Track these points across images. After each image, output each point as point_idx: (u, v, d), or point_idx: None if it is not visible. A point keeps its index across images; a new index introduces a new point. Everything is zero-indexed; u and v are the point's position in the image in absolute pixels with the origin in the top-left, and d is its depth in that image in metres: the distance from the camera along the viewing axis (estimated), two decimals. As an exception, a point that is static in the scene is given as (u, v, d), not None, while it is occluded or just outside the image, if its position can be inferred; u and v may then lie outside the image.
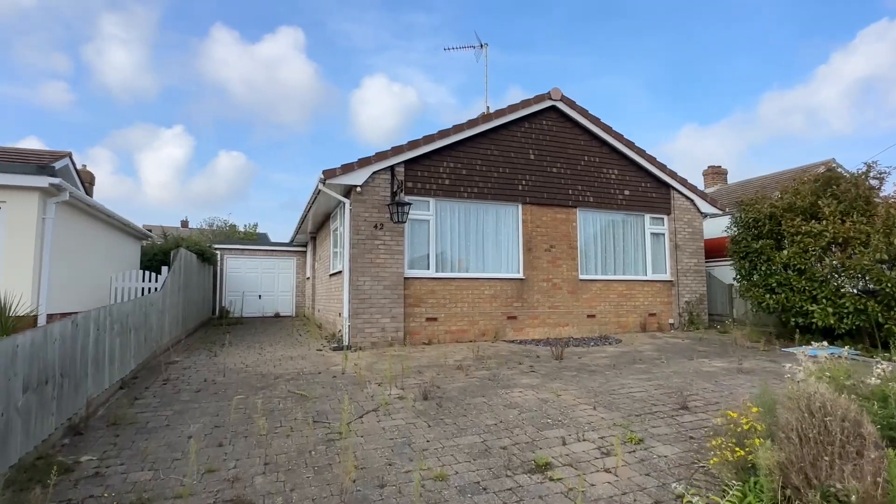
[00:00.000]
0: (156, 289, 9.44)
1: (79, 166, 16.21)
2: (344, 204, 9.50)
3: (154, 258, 12.98)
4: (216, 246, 17.76)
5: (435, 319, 9.87)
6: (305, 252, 19.30)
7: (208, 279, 16.07)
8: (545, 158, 11.10)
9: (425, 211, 9.98)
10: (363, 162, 9.29)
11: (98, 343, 5.20)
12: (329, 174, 9.01)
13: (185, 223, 39.10)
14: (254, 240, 19.27)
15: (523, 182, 10.82)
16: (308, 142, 77.07)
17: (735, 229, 10.72)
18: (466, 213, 10.46)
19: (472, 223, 10.50)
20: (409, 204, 9.17)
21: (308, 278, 18.00)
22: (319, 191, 9.54)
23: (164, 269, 9.73)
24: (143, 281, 10.62)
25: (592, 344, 9.71)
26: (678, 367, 7.37)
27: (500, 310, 10.41)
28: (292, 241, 18.79)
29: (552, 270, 10.96)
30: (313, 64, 78.90)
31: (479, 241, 10.53)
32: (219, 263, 17.94)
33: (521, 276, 10.67)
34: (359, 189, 9.32)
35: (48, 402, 4.03)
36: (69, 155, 13.54)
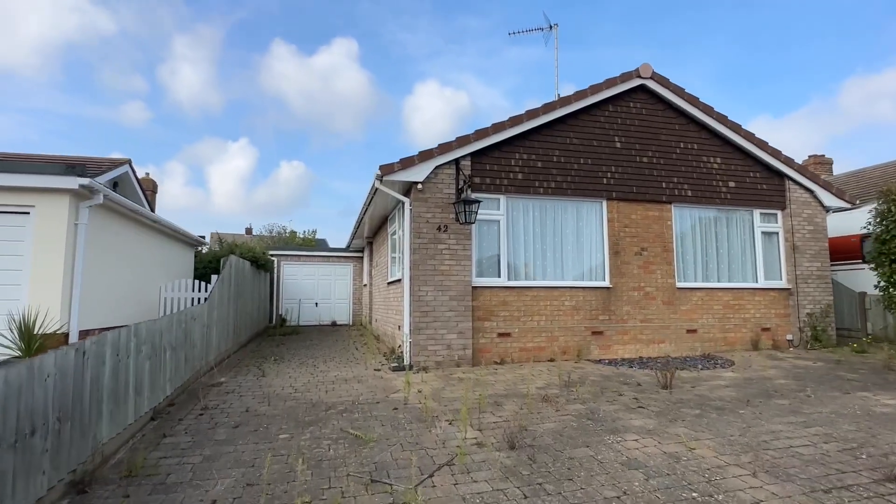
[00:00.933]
0: (205, 299, 8.76)
1: (141, 175, 16.32)
2: (403, 204, 8.39)
3: (208, 266, 12.52)
4: (272, 252, 17.33)
5: (508, 335, 8.54)
6: (362, 258, 18.54)
7: (264, 287, 15.58)
8: (634, 147, 9.50)
9: (495, 210, 8.69)
10: (424, 155, 8.15)
11: (118, 372, 4.30)
12: (386, 170, 7.93)
13: (248, 230, 40.11)
14: (310, 246, 18.86)
15: (608, 175, 9.29)
16: (363, 149, 78.16)
17: (881, 225, 8.63)
18: (542, 212, 9.07)
19: (548, 223, 9.09)
20: (479, 202, 7.92)
21: (365, 285, 17.17)
22: (376, 189, 8.49)
23: (214, 277, 9.04)
24: (194, 291, 10.03)
25: (700, 367, 8.01)
26: (836, 405, 5.63)
27: (583, 324, 8.92)
28: (349, 246, 18.07)
29: (644, 278, 9.32)
30: (367, 73, 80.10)
31: (557, 244, 9.11)
32: (275, 270, 17.51)
33: (607, 284, 9.13)
34: (419, 186, 8.18)
35: (36, 457, 3.08)
36: (129, 162, 13.41)
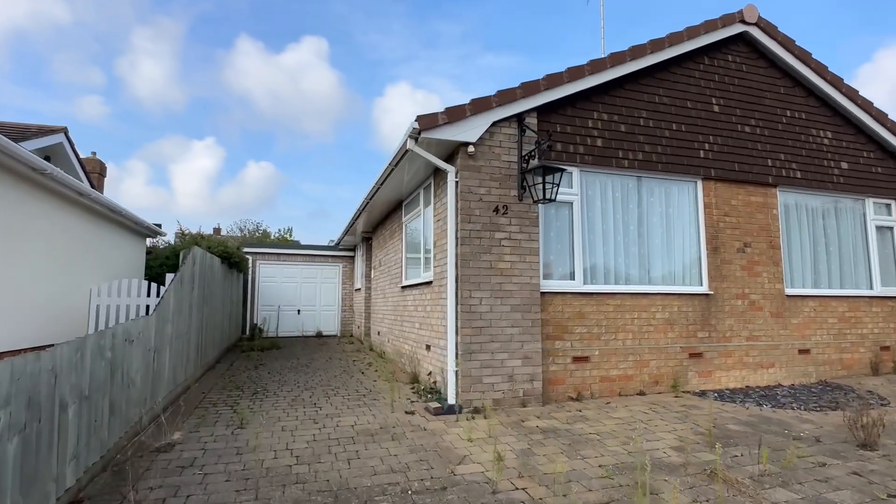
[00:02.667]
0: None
1: (85, 154, 13.37)
2: (447, 175, 5.96)
3: (165, 264, 9.75)
4: (247, 250, 14.57)
5: (585, 359, 6.19)
6: (353, 257, 15.92)
7: (237, 290, 12.81)
8: (734, 112, 7.34)
9: (566, 188, 6.35)
10: (479, 105, 5.76)
11: None
12: (427, 122, 5.50)
13: (217, 230, 36.62)
14: (291, 243, 16.13)
15: (706, 146, 7.09)
16: (333, 151, 74.98)
17: None
18: (625, 193, 6.79)
19: (631, 208, 6.81)
20: (562, 170, 5.53)
21: (358, 289, 14.56)
22: (405, 153, 6.05)
23: (170, 277, 6.39)
24: (141, 295, 7.31)
25: (847, 401, 5.81)
26: None
27: (677, 343, 6.65)
28: (338, 244, 15.44)
29: (748, 282, 7.14)
30: (337, 73, 77.15)
31: (642, 236, 6.83)
32: (250, 271, 14.73)
33: (705, 289, 6.90)
34: (471, 149, 5.78)
35: None
36: (64, 131, 10.54)
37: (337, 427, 4.93)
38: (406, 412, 5.51)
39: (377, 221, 11.35)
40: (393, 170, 6.86)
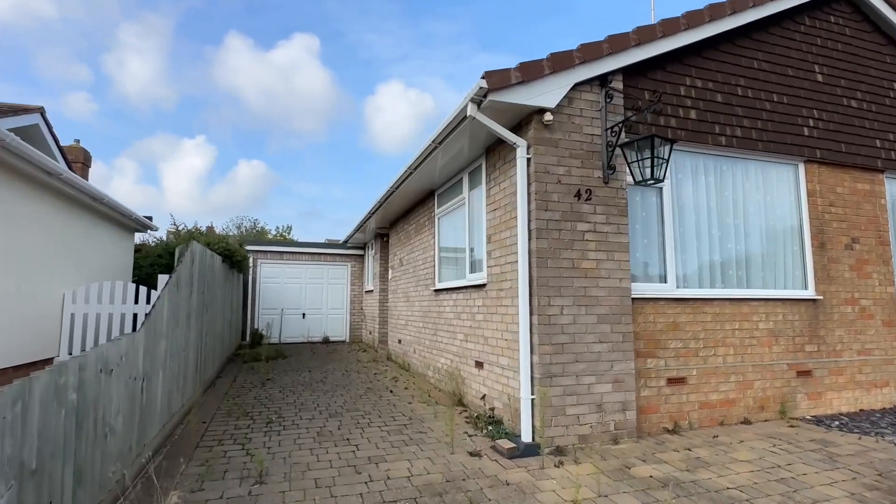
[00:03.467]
0: (147, 316, 4.81)
1: (69, 142, 12.04)
2: (513, 152, 4.74)
3: (157, 263, 8.47)
4: (247, 248, 13.27)
5: (681, 381, 5.00)
6: (363, 256, 14.66)
7: (237, 293, 11.53)
8: (838, 83, 6.19)
9: (654, 169, 5.16)
10: (559, 61, 4.55)
11: None
12: (498, 80, 4.29)
13: (210, 228, 35.14)
14: (294, 241, 14.77)
15: (809, 122, 5.92)
16: (325, 150, 73.47)
17: None
18: (718, 176, 5.61)
19: (726, 195, 5.64)
20: (674, 141, 4.33)
21: (370, 291, 13.31)
22: (462, 123, 4.83)
23: (163, 279, 5.13)
24: (129, 302, 6.03)
25: None
26: None
27: (783, 358, 5.49)
28: (346, 241, 14.18)
29: (857, 284, 6.00)
30: (329, 71, 75.65)
31: (738, 229, 5.66)
32: (250, 271, 13.44)
33: (812, 294, 5.74)
34: (548, 117, 4.57)
35: None
36: (40, 111, 9.22)
37: (388, 480, 3.70)
38: (470, 453, 4.28)
39: (397, 215, 10.11)
40: (438, 146, 5.63)
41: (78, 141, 12.47)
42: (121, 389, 3.25)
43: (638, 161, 4.29)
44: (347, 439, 4.71)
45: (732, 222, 5.61)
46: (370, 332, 12.98)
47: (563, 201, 4.61)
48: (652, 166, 4.18)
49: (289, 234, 29.14)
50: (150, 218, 8.80)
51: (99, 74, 67.12)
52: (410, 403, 6.26)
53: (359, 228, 12.15)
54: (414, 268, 8.81)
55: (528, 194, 4.60)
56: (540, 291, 4.43)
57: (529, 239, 4.55)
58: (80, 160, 12.27)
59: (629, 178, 4.86)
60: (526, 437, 4.33)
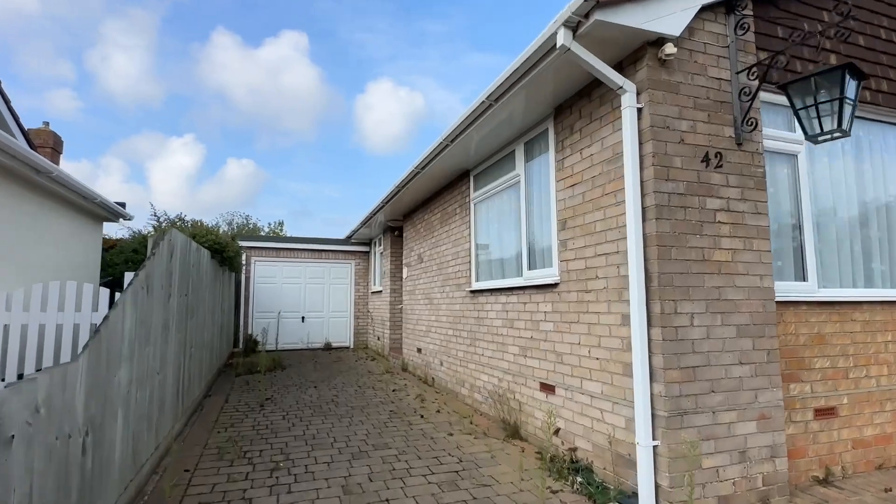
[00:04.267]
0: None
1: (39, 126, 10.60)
2: (621, 97, 3.43)
3: (133, 260, 7.07)
4: (240, 244, 11.88)
5: (831, 412, 3.74)
6: (368, 253, 13.30)
7: (228, 294, 10.15)
8: None
9: (784, 129, 3.92)
10: (683, -28, 3.25)
11: None
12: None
13: (199, 224, 33.56)
14: (291, 237, 13.31)
15: (961, 77, 4.69)
16: (314, 149, 71.75)
17: None
18: (857, 145, 4.36)
19: (866, 168, 4.38)
20: (862, 76, 3.06)
21: (377, 292, 11.96)
22: (549, 53, 3.50)
23: (129, 279, 3.77)
24: (84, 309, 4.60)
25: None
26: None
27: (943, 379, 4.24)
28: (351, 237, 12.82)
29: None
30: (318, 68, 73.92)
31: (880, 210, 4.41)
32: (244, 269, 12.03)
33: (970, 295, 4.50)
34: (670, 50, 3.27)
35: None
36: (-6, 80, 7.84)
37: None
38: (570, 527, 2.98)
39: (414, 205, 8.78)
40: (494, 104, 4.31)
41: (47, 124, 10.97)
42: (37, 460, 1.90)
43: (813, 106, 3.00)
44: (387, 501, 3.38)
45: (874, 201, 4.36)
46: (378, 338, 11.62)
47: (687, 168, 3.32)
48: (840, 112, 2.89)
49: (281, 230, 27.65)
50: (122, 205, 7.36)
51: (83, 71, 64.93)
52: (452, 435, 4.94)
53: (366, 222, 10.80)
54: (439, 265, 7.48)
55: (641, 158, 3.30)
56: (662, 294, 3.14)
57: (644, 220, 3.25)
58: (49, 144, 10.76)
59: (766, 142, 3.59)
60: (648, 498, 3.03)
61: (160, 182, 63.10)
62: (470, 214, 6.36)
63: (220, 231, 10.73)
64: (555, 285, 4.29)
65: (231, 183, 63.14)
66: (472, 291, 6.15)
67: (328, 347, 12.62)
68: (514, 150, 5.22)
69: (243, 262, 11.83)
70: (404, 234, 9.62)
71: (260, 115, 71.09)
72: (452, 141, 5.37)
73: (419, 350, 8.35)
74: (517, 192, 5.19)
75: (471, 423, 5.35)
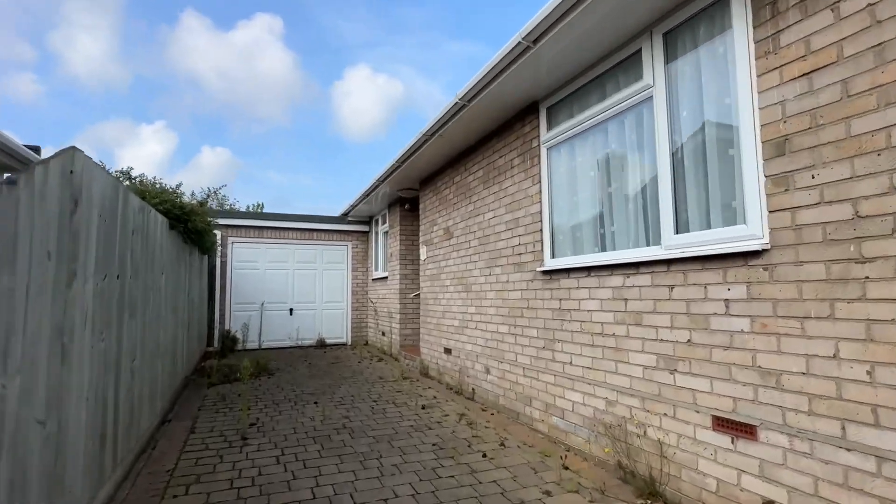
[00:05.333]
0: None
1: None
2: None
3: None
4: (218, 222, 9.84)
5: None
6: (368, 233, 11.36)
7: (199, 281, 8.16)
8: None
9: None
10: None
11: None
12: None
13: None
14: (277, 215, 11.10)
15: None
16: (291, 138, 68.74)
17: None
18: None
19: None
20: None
21: (381, 278, 10.06)
22: None
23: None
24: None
25: None
26: None
27: None
28: (347, 214, 10.86)
29: None
30: (292, 53, 70.71)
31: None
32: (219, 252, 9.99)
33: None
34: None
35: None
36: None
37: None
38: None
39: (437, 165, 6.89)
40: None
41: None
42: None
43: None
44: None
45: None
46: (384, 334, 9.75)
47: None
48: None
49: (260, 211, 25.37)
50: (35, 149, 5.24)
51: (45, 53, 60.49)
52: (550, 496, 3.13)
53: (367, 195, 8.87)
54: (481, 239, 5.62)
55: None
56: None
57: None
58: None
59: None
60: None
61: (131, 169, 59.45)
62: (540, 164, 4.51)
63: (186, 198, 8.51)
64: (757, 254, 2.49)
65: (205, 172, 59.89)
66: (547, 272, 4.32)
67: (322, 345, 10.69)
68: (638, 50, 3.37)
69: (218, 243, 9.78)
70: (422, 206, 7.72)
71: (233, 102, 67.72)
72: (522, 54, 3.50)
73: (447, 350, 6.50)
74: (643, 115, 3.36)
75: (565, 467, 3.55)
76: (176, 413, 5.17)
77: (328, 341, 10.83)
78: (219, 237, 9.95)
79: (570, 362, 3.98)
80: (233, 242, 10.31)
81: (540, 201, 4.49)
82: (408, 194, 8.48)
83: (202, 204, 5.56)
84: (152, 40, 62.22)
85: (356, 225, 11.20)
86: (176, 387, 5.70)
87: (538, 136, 4.55)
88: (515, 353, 4.81)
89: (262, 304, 10.42)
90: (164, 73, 63.14)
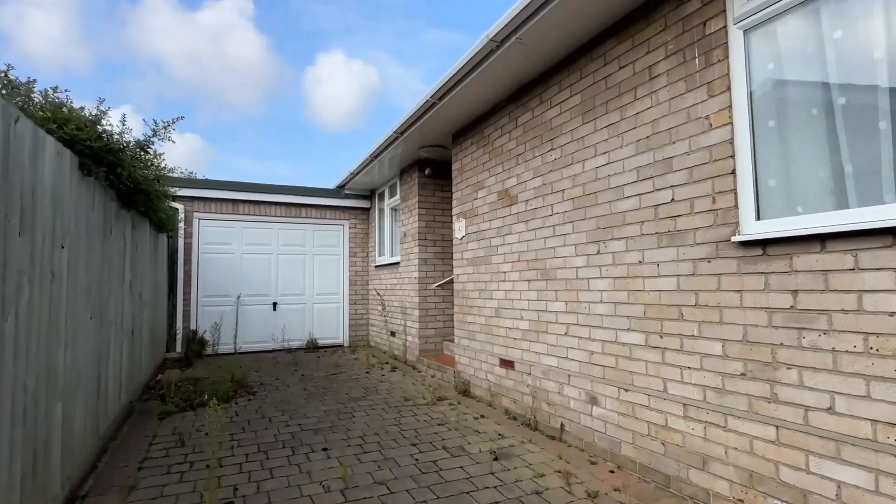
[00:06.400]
0: None
1: None
2: None
3: None
4: (181, 193, 7.70)
5: None
6: (369, 210, 9.36)
7: (153, 267, 6.10)
8: None
9: None
10: None
11: None
12: None
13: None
14: (256, 186, 8.91)
15: None
16: (264, 125, 65.50)
17: None
18: None
19: None
20: None
21: (390, 264, 8.09)
22: None
23: None
24: None
25: None
26: None
27: None
28: (344, 186, 8.84)
29: None
30: (264, 37, 67.28)
31: None
32: (182, 232, 7.88)
33: None
34: None
35: None
36: None
37: None
38: None
39: (487, 105, 4.95)
40: None
41: None
42: None
43: None
44: None
45: None
46: (393, 334, 7.81)
47: None
48: None
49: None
50: None
51: (-5, 29, 55.53)
52: None
53: (376, 158, 6.90)
54: (579, 200, 3.72)
55: None
56: None
57: None
58: None
59: None
60: None
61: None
62: (728, 61, 2.63)
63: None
64: None
65: (174, 159, 56.31)
66: (755, 244, 2.46)
67: (313, 347, 8.68)
68: None
69: (181, 219, 7.66)
70: (456, 166, 5.78)
71: (202, 86, 63.87)
72: None
73: (507, 363, 4.62)
74: None
75: None
76: (100, 476, 3.16)
77: (321, 342, 8.82)
78: (182, 213, 7.82)
79: (830, 408, 2.14)
80: (200, 219, 8.18)
81: (730, 123, 2.62)
82: (431, 153, 6.52)
83: (144, 148, 3.49)
84: (113, 19, 57.91)
85: (355, 200, 9.17)
86: (105, 428, 3.68)
87: (723, 10, 2.66)
88: (664, 380, 2.96)
89: (239, 297, 8.34)
90: (126, 55, 58.93)
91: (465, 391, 5.29)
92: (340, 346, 9.02)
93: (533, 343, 4.23)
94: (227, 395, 5.25)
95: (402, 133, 5.89)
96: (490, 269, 4.96)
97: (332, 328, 9.02)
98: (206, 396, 5.06)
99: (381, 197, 8.74)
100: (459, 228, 5.61)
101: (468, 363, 5.36)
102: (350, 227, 9.23)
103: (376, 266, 8.79)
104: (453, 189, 5.82)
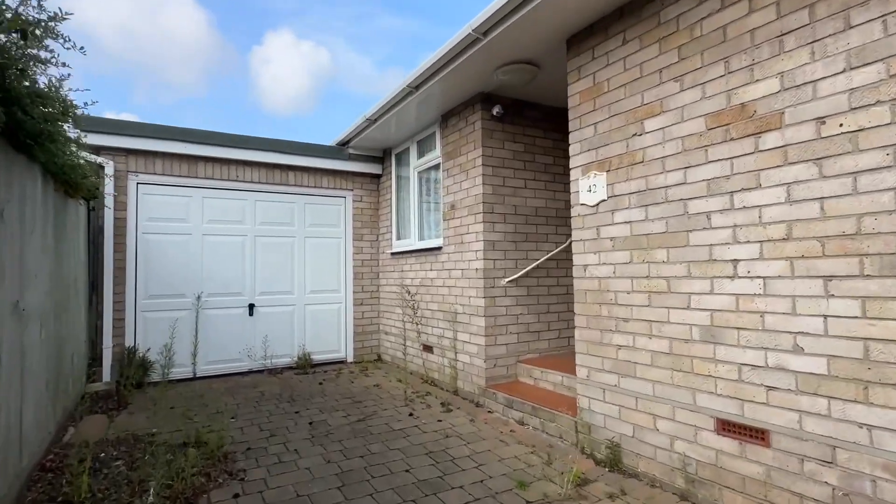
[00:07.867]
0: None
1: None
2: None
3: None
4: (107, 144, 5.04)
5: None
6: (379, 178, 6.94)
7: (53, 258, 3.50)
8: None
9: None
10: None
11: None
12: None
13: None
14: (224, 136, 6.41)
15: None
16: (205, 106, 60.70)
17: None
18: None
19: None
20: None
21: (424, 250, 5.75)
22: None
23: None
24: None
25: None
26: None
27: None
28: (347, 143, 6.41)
29: None
30: (204, 11, 62.10)
31: None
32: (111, 199, 5.23)
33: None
34: None
35: None
36: None
37: None
38: None
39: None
40: None
41: None
42: None
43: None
44: None
45: None
46: (429, 349, 5.51)
47: None
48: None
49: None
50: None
51: None
52: None
53: (417, 87, 4.56)
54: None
55: None
56: None
57: None
58: None
59: None
60: None
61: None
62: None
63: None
64: None
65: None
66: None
67: (307, 364, 6.24)
68: None
69: (108, 182, 5.04)
70: (585, 84, 3.51)
71: (135, 62, 57.97)
72: None
73: (740, 432, 2.46)
74: None
75: None
76: None
77: (317, 358, 6.41)
78: (111, 171, 5.18)
79: None
80: (139, 184, 5.55)
81: None
82: (514, 78, 4.21)
83: (24, 32, 1.29)
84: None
85: (362, 163, 6.73)
86: None
87: None
88: None
89: (199, 297, 5.79)
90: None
91: (615, 464, 3.12)
92: (343, 361, 6.63)
93: (849, 404, 2.10)
94: (194, 487, 2.86)
95: (474, 42, 3.59)
96: (685, 255, 2.78)
97: (332, 338, 6.61)
98: (153, 494, 2.67)
99: (401, 159, 6.38)
100: (592, 188, 3.39)
101: (617, 414, 3.18)
102: (355, 200, 6.80)
103: (393, 253, 6.43)
104: (574, 126, 3.58)
